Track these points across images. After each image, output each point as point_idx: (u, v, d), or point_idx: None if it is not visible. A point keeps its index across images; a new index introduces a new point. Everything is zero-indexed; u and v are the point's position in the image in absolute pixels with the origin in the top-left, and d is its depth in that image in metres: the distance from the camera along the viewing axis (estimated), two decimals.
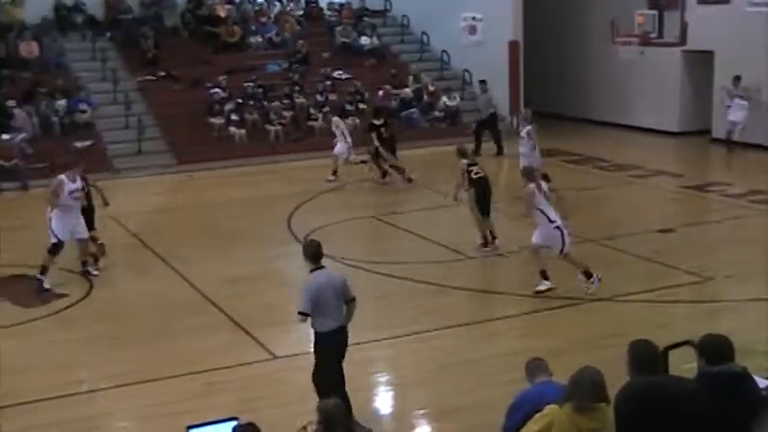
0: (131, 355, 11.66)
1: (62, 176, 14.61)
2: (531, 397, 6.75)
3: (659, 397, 5.98)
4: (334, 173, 21.78)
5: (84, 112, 24.89)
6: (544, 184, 13.55)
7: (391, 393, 10.56)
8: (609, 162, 23.50)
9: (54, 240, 14.35)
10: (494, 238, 15.88)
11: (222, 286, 14.30)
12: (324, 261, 15.18)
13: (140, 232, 17.77)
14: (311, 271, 9.19)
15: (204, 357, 11.29)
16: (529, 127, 19.84)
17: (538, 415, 6.14)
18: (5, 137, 22.56)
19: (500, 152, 25.06)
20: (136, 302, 13.92)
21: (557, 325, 12.16)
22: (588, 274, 13.18)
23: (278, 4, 31.41)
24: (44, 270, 14.27)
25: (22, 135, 23.36)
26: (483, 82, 26.67)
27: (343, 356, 9.32)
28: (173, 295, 14.07)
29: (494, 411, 8.26)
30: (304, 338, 12.14)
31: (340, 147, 21.92)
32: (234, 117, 25.39)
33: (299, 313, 9.12)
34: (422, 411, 9.99)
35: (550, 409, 6.10)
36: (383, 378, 10.85)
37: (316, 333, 9.19)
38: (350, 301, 9.25)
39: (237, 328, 12.38)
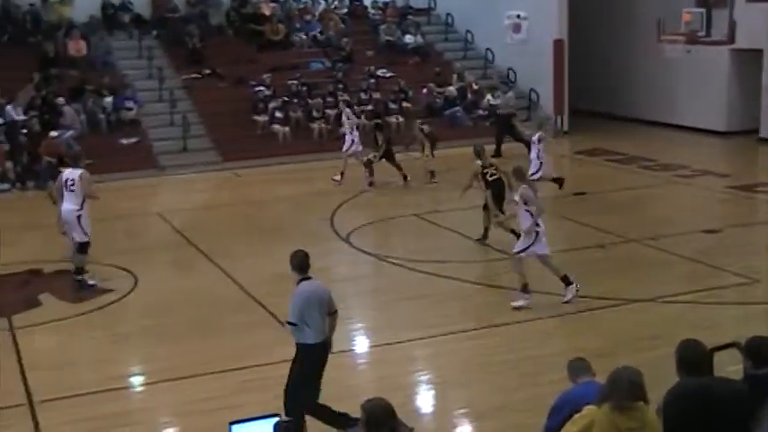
0: (173, 351, 11.74)
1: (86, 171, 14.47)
2: (573, 398, 6.70)
3: (708, 398, 5.92)
4: (342, 174, 21.57)
5: (130, 109, 25.15)
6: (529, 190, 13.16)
7: (432, 392, 10.53)
8: (654, 161, 23.28)
9: (87, 239, 14.23)
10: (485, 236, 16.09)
11: (265, 283, 14.34)
12: (366, 259, 15.34)
13: (185, 229, 17.87)
14: (298, 282, 8.95)
15: (246, 354, 11.34)
16: (540, 133, 19.40)
17: (577, 416, 6.10)
18: (54, 134, 22.80)
19: (497, 154, 23.66)
20: (179, 299, 14.00)
21: (599, 326, 12.06)
22: (526, 289, 12.88)
23: (322, 2, 31.51)
24: (82, 270, 14.26)
25: (71, 132, 23.62)
26: (504, 82, 26.59)
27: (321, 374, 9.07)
28: (216, 292, 14.14)
29: (535, 412, 8.23)
30: (345, 336, 12.21)
31: (350, 143, 21.74)
32: (278, 115, 25.50)
33: (288, 323, 8.88)
34: (462, 410, 9.95)
35: (589, 409, 6.06)
36: (424, 377, 10.82)
37: (300, 345, 8.94)
38: (332, 314, 9.04)
39: (279, 326, 12.37)
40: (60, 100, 24.23)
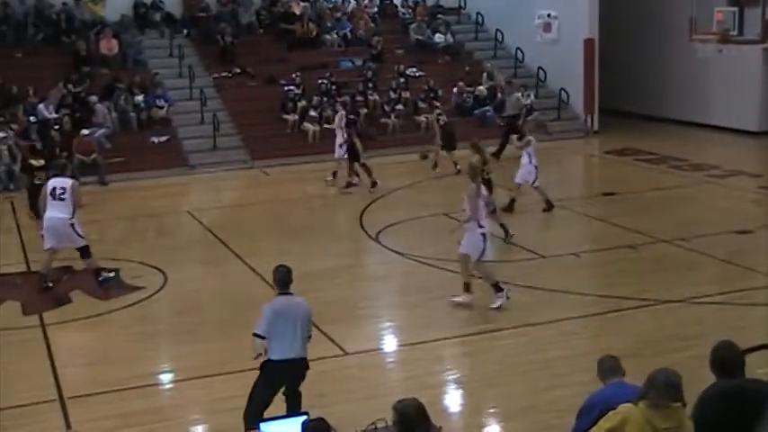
0: (202, 349, 11.79)
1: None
2: (603, 399, 6.68)
3: (741, 400, 5.89)
4: (335, 174, 21.53)
5: (160, 107, 25.29)
6: (484, 189, 13.04)
7: (460, 392, 10.52)
8: (685, 161, 23.12)
9: (85, 242, 14.22)
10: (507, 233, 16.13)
11: (295, 282, 14.32)
12: (395, 258, 15.33)
13: (214, 227, 17.95)
14: (276, 295, 8.87)
15: None
16: (529, 137, 18.52)
17: (611, 413, 6.08)
18: (85, 132, 22.97)
19: (497, 154, 22.87)
20: (208, 297, 14.07)
21: (629, 326, 12.00)
22: (498, 288, 12.79)
23: (353, 1, 31.52)
24: (99, 270, 14.37)
25: (102, 130, 23.79)
26: (510, 82, 26.33)
27: (290, 389, 8.80)
28: (245, 290, 14.18)
29: (564, 412, 8.20)
30: (374, 335, 12.24)
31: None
32: (312, 113, 25.57)
33: (254, 335, 8.68)
34: (491, 410, 9.94)
35: (624, 406, 6.05)
36: (452, 376, 10.81)
37: (264, 360, 8.72)
38: (307, 338, 8.83)
39: None
40: (92, 98, 24.41)
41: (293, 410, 8.46)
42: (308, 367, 8.86)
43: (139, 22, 28.51)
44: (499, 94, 27.75)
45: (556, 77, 28.64)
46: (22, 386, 10.69)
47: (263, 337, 8.62)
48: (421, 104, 26.67)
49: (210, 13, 29.28)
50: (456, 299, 12.86)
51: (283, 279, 8.89)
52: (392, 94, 26.85)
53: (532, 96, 27.70)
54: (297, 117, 25.69)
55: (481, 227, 12.58)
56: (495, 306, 12.68)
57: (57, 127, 23.37)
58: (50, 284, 14.19)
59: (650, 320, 12.24)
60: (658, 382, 5.94)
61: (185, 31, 28.73)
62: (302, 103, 25.96)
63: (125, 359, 11.47)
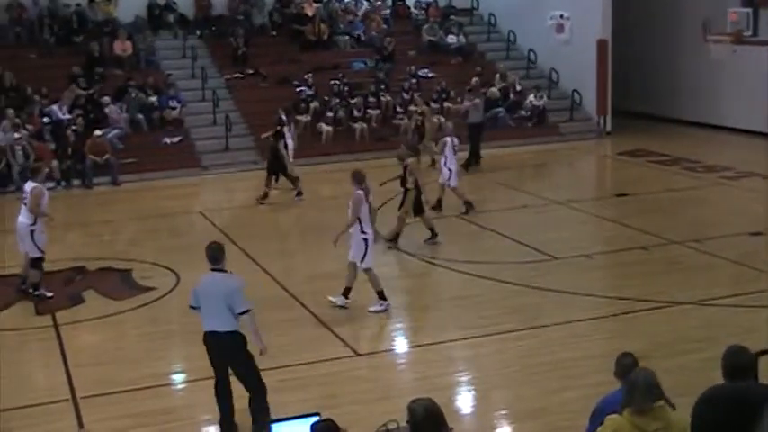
0: None
1: (41, 185, 13.91)
2: (615, 401, 6.66)
3: (740, 403, 5.88)
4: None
5: (173, 108, 25.35)
6: (371, 196, 13.07)
7: (472, 393, 10.50)
8: (698, 163, 23.07)
9: (39, 254, 13.78)
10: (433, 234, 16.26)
11: (306, 282, 14.41)
12: (407, 259, 15.32)
13: (226, 228, 17.97)
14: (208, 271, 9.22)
15: (286, 353, 11.36)
16: (446, 138, 18.29)
17: (599, 428, 6.07)
18: (98, 133, 23.03)
19: (469, 165, 22.76)
20: None
21: (641, 328, 11.97)
22: (382, 296, 12.86)
23: (365, 2, 31.52)
24: (38, 286, 13.83)
25: (115, 131, 23.86)
26: (470, 89, 24.79)
27: (221, 367, 9.27)
28: (257, 291, 14.12)
29: (576, 414, 8.20)
30: (386, 336, 12.24)
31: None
32: (329, 114, 25.60)
33: (190, 306, 9.32)
34: (502, 412, 9.93)
35: (610, 419, 6.02)
36: (464, 377, 10.80)
37: None
38: (241, 314, 9.06)
39: (320, 325, 12.46)
40: (105, 99, 24.48)
41: (248, 392, 9.21)
42: (239, 344, 9.13)
43: (153, 23, 28.59)
44: (512, 96, 27.75)
45: (568, 78, 28.60)
46: (35, 386, 10.74)
47: (193, 308, 9.28)
48: (433, 105, 26.65)
49: (223, 14, 29.38)
50: (372, 308, 12.86)
51: (211, 255, 9.24)
52: (404, 95, 26.85)
53: (545, 98, 27.68)
54: (309, 118, 25.72)
55: (364, 233, 12.63)
56: (371, 309, 12.80)
57: (74, 128, 23.44)
58: (29, 291, 13.87)
59: (662, 322, 12.21)
60: (639, 386, 5.93)
61: (198, 33, 28.80)
62: (314, 104, 25.98)
63: (137, 359, 11.50)
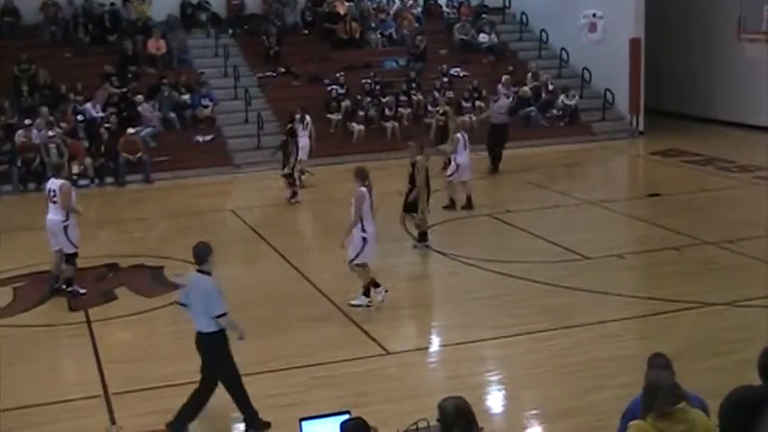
0: (245, 347, 11.74)
1: (68, 181, 14.08)
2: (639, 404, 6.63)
3: (761, 404, 5.83)
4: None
5: (206, 107, 25.47)
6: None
7: (502, 392, 10.47)
8: (732, 163, 22.87)
9: (74, 250, 13.90)
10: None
11: (336, 280, 14.41)
12: (438, 258, 15.28)
13: (257, 226, 18.04)
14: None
15: (317, 351, 11.40)
16: (457, 135, 18.89)
17: None
18: (131, 131, 23.17)
19: (494, 169, 22.73)
20: (251, 295, 14.09)
21: (674, 328, 11.89)
22: (367, 292, 12.97)
23: (397, 1, 31.51)
24: (71, 282, 13.99)
25: (148, 129, 24.00)
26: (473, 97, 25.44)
27: (204, 368, 9.40)
28: (288, 288, 14.25)
29: (608, 414, 8.17)
30: (416, 335, 12.23)
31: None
32: (360, 113, 25.62)
33: (179, 303, 9.48)
34: (533, 411, 9.89)
35: (633, 425, 5.96)
36: (494, 377, 10.77)
37: None
38: (218, 317, 9.11)
39: (350, 323, 12.47)
40: (138, 98, 24.63)
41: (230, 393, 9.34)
42: (211, 346, 9.23)
43: (186, 22, 28.73)
44: (543, 95, 27.65)
45: (601, 78, 28.44)
46: (67, 381, 10.83)
47: (183, 305, 9.40)
48: (465, 104, 26.62)
49: (256, 13, 29.51)
50: (354, 301, 13.02)
51: (196, 255, 9.24)
52: (436, 94, 26.82)
53: (577, 97, 27.57)
54: (341, 116, 25.77)
55: (364, 231, 12.65)
56: (352, 303, 12.97)
57: (107, 125, 23.61)
58: (63, 287, 13.99)
59: (695, 323, 12.12)
60: (663, 389, 5.86)
61: (230, 31, 28.93)
62: (346, 103, 26.02)
63: (168, 356, 11.54)
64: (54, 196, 13.74)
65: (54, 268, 14.17)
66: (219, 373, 9.32)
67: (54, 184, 13.85)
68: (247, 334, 12.29)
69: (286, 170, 20.00)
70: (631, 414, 6.64)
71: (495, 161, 22.61)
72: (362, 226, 12.67)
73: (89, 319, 12.89)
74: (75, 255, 13.95)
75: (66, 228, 13.73)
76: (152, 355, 11.65)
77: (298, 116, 21.52)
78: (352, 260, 12.88)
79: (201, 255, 9.19)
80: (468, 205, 18.68)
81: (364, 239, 12.71)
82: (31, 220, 19.48)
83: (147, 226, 18.95)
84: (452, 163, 18.67)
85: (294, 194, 20.00)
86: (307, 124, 22.00)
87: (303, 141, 21.21)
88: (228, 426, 9.67)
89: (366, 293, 13.01)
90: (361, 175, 12.78)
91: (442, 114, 22.38)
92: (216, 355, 9.27)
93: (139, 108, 24.38)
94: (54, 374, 11.06)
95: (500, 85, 24.36)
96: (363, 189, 12.67)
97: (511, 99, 25.23)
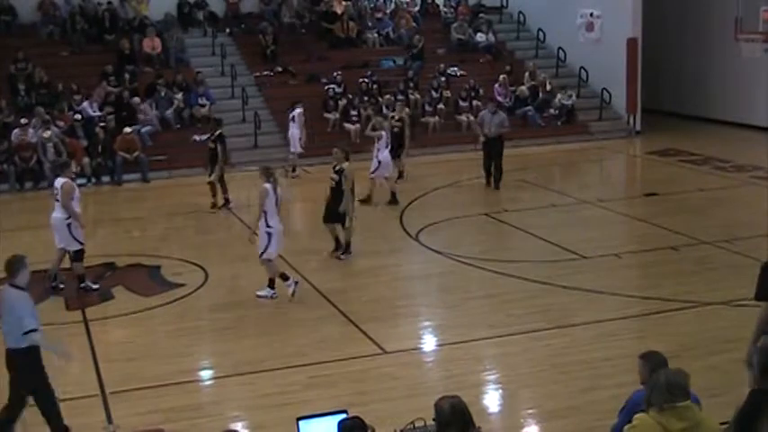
0: (242, 346, 11.85)
1: (71, 180, 14.19)
2: (635, 400, 6.65)
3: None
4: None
5: (202, 106, 25.44)
6: (280, 189, 13.51)
7: (499, 392, 10.47)
8: (729, 162, 22.89)
9: (79, 246, 14.05)
10: (338, 247, 15.67)
11: (334, 280, 14.43)
12: (435, 257, 15.29)
13: (255, 225, 17.96)
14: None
15: (314, 350, 11.41)
16: (381, 132, 19.40)
17: (627, 427, 6.04)
18: (128, 129, 23.14)
19: (497, 185, 20.76)
20: (248, 294, 14.11)
21: (670, 328, 11.90)
22: (272, 284, 13.46)
23: (394, 0, 31.51)
24: (83, 277, 14.14)
25: (147, 128, 23.98)
26: (491, 99, 23.70)
27: (14, 385, 9.00)
28: (285, 288, 14.24)
29: (605, 413, 8.17)
30: (414, 334, 12.23)
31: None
32: (353, 112, 25.61)
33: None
34: (530, 411, 9.90)
35: (637, 417, 5.98)
36: (491, 376, 10.78)
37: None
38: (27, 333, 8.68)
39: (347, 322, 12.48)
40: (135, 100, 24.60)
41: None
42: (23, 363, 8.87)
43: (183, 21, 28.71)
44: (541, 94, 27.66)
45: (598, 77, 28.45)
46: (64, 381, 10.78)
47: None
48: (462, 104, 26.63)
49: (253, 12, 29.52)
50: (260, 292, 13.53)
51: (8, 268, 8.87)
52: (433, 94, 26.82)
53: (574, 96, 27.58)
54: (338, 116, 25.77)
55: (269, 226, 13.17)
56: (259, 293, 13.48)
57: (102, 124, 23.61)
58: (60, 286, 14.11)
59: (692, 323, 12.14)
60: (660, 384, 5.90)
61: (227, 30, 28.91)
62: (343, 102, 26.03)
63: (166, 355, 11.56)
64: (57, 194, 13.89)
65: (53, 266, 14.19)
66: (32, 390, 9.04)
67: (58, 181, 14.03)
68: (245, 332, 12.39)
69: (213, 177, 19.35)
70: (629, 408, 6.66)
71: (497, 178, 20.68)
72: (267, 221, 13.16)
73: (86, 319, 12.90)
74: (82, 251, 14.10)
75: (69, 225, 13.82)
76: (149, 354, 11.64)
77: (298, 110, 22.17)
78: (261, 254, 13.35)
79: (13, 268, 8.80)
80: (393, 200, 19.33)
81: (269, 234, 13.24)
82: (27, 219, 19.53)
83: (144, 225, 18.93)
84: (374, 159, 19.12)
85: (214, 205, 19.39)
86: (293, 117, 22.29)
87: (293, 131, 21.74)
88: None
89: (271, 285, 13.45)
90: (266, 174, 13.37)
91: (398, 121, 21.00)
92: (28, 372, 8.92)
93: (142, 106, 24.33)
94: (51, 373, 11.01)
95: (497, 94, 24.27)
96: (267, 186, 13.20)
97: (509, 100, 25.22)
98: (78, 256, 14.08)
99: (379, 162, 19.10)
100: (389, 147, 19.45)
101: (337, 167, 15.24)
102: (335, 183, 15.24)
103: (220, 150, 19.38)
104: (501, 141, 20.68)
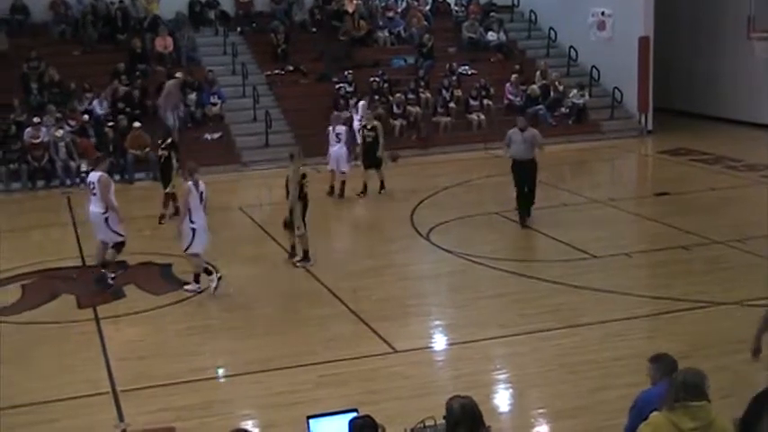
0: (253, 345, 11.87)
1: (106, 174, 14.44)
2: (652, 397, 6.64)
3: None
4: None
5: (214, 104, 25.49)
6: (202, 185, 13.75)
7: (509, 391, 10.47)
8: (740, 162, 22.81)
9: (120, 239, 14.30)
10: (293, 253, 15.32)
11: (344, 279, 14.43)
12: (445, 256, 15.30)
13: (265, 224, 18.04)
14: None
15: (325, 349, 11.42)
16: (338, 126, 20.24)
17: (642, 425, 6.04)
18: (137, 124, 23.13)
19: (524, 222, 17.30)
20: (259, 293, 14.15)
21: (681, 328, 11.87)
22: (198, 278, 13.83)
23: None
24: (107, 265, 14.36)
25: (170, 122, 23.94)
26: (521, 114, 20.13)
27: None
28: (296, 286, 14.27)
29: (614, 413, 8.16)
30: (424, 333, 12.23)
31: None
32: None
33: None
34: (540, 410, 9.88)
35: (653, 416, 6.00)
36: (501, 375, 10.77)
37: None
38: None
39: (358, 321, 12.48)
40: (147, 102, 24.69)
41: None
42: None
43: (194, 20, 28.76)
44: (552, 93, 27.61)
45: (610, 76, 28.38)
46: (76, 378, 10.85)
47: None
48: (472, 103, 26.62)
49: (264, 11, 29.55)
50: (187, 287, 13.87)
51: None
52: (444, 93, 26.81)
53: (586, 95, 27.53)
54: (349, 114, 25.74)
55: (192, 222, 13.51)
56: (186, 288, 13.86)
57: (110, 124, 23.67)
58: (112, 276, 14.31)
59: (703, 323, 12.10)
60: (676, 383, 5.92)
61: (239, 29, 28.95)
62: (354, 101, 26.02)
63: (176, 354, 11.58)
64: (93, 189, 14.08)
65: (98, 259, 14.51)
66: None
67: (94, 176, 14.19)
68: (256, 331, 12.43)
69: (168, 189, 18.49)
70: (640, 407, 6.66)
71: (526, 212, 17.26)
72: (190, 217, 13.50)
73: (97, 317, 12.94)
74: (122, 243, 14.38)
75: (106, 219, 14.07)
76: (160, 353, 11.68)
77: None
78: (185, 249, 13.73)
79: None
80: (340, 194, 20.04)
81: (193, 230, 13.55)
82: (39, 217, 19.62)
83: (155, 223, 18.96)
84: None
85: (163, 216, 18.68)
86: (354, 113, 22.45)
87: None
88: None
89: (196, 280, 13.80)
90: (189, 172, 13.70)
91: (370, 130, 20.18)
92: None
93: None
94: (62, 371, 11.09)
95: (508, 93, 24.13)
96: (189, 184, 13.54)
97: (520, 99, 25.07)
98: (118, 247, 14.41)
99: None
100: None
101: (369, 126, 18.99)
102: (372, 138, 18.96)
103: (175, 159, 18.56)
104: (535, 164, 17.27)
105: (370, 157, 20.20)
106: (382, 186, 20.37)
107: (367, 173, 20.23)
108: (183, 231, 13.66)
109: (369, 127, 20.44)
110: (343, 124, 20.81)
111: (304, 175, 15.05)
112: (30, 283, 14.72)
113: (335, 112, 21.03)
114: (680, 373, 6.05)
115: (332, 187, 20.10)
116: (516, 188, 17.31)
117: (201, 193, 13.65)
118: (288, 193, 15.05)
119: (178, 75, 25.00)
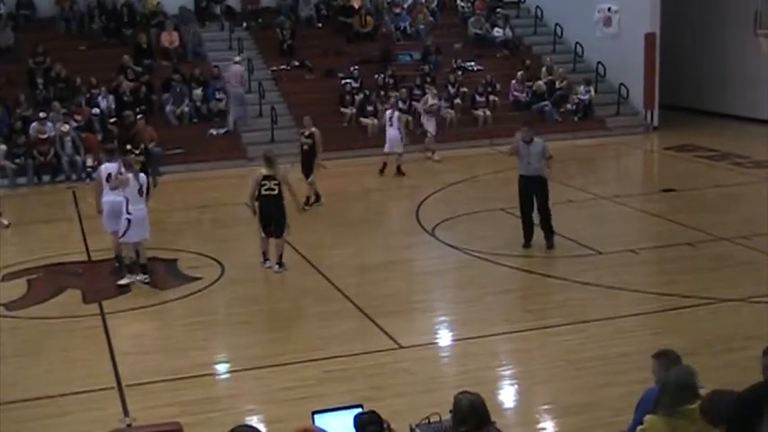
0: (258, 340, 11.88)
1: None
2: (648, 396, 6.62)
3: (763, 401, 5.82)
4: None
5: (219, 100, 25.48)
6: (142, 177, 14.11)
7: (515, 387, 10.46)
8: (747, 158, 22.75)
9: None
10: (266, 259, 14.88)
11: (350, 274, 14.43)
12: (451, 252, 15.29)
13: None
14: None
15: (330, 344, 11.41)
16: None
17: (638, 428, 6.01)
18: (140, 116, 23.10)
19: (549, 241, 15.47)
20: (265, 288, 14.15)
21: (686, 325, 11.85)
22: (130, 271, 14.08)
23: None
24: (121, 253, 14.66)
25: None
26: (525, 123, 16.66)
27: None
28: (301, 282, 14.27)
29: (621, 410, 8.15)
30: (429, 329, 12.23)
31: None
32: (369, 108, 25.58)
33: None
34: (546, 406, 9.86)
35: (648, 419, 5.96)
36: (507, 372, 10.77)
37: None
38: None
39: (363, 317, 12.47)
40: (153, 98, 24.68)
41: None
42: None
43: (200, 15, 28.76)
44: (558, 89, 27.57)
45: (616, 72, 28.34)
46: (81, 373, 10.85)
47: None
48: (478, 98, 26.59)
49: (270, 6, 29.55)
50: (121, 281, 14.01)
51: None
52: (450, 89, 26.78)
53: (592, 91, 27.48)
54: (355, 111, 25.76)
55: (128, 213, 13.73)
56: (120, 282, 13.98)
57: (112, 120, 23.70)
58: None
59: (709, 319, 12.08)
60: (670, 387, 5.86)
61: (245, 24, 28.94)
62: (360, 97, 26.01)
63: (182, 348, 11.58)
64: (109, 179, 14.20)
65: (116, 250, 14.65)
66: None
67: (111, 167, 14.27)
68: (261, 326, 12.43)
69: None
70: (645, 404, 6.64)
71: (546, 228, 15.47)
72: (127, 208, 13.72)
73: (103, 312, 12.94)
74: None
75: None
76: (165, 348, 11.68)
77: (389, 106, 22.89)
78: (120, 237, 14.00)
79: None
80: (398, 172, 21.44)
81: (128, 221, 13.75)
82: (45, 212, 19.64)
83: (160, 218, 18.92)
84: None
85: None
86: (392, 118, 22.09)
87: (392, 133, 21.83)
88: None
89: (130, 271, 14.05)
90: (127, 164, 14.09)
91: (307, 137, 19.08)
92: None
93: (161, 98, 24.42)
94: (68, 366, 11.10)
95: (513, 90, 24.10)
96: (129, 176, 13.80)
97: (526, 95, 25.01)
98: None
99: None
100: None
101: (306, 132, 18.66)
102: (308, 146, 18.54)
103: (151, 165, 18.48)
104: (544, 180, 15.29)
105: (308, 166, 18.98)
106: (317, 198, 19.08)
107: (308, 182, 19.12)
108: (120, 221, 13.86)
109: (306, 134, 19.10)
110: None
111: (268, 177, 14.61)
112: (35, 277, 14.73)
113: (392, 98, 23.20)
114: (671, 373, 5.99)
115: (384, 165, 21.67)
116: (520, 211, 15.52)
117: (142, 185, 13.86)
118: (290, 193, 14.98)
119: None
